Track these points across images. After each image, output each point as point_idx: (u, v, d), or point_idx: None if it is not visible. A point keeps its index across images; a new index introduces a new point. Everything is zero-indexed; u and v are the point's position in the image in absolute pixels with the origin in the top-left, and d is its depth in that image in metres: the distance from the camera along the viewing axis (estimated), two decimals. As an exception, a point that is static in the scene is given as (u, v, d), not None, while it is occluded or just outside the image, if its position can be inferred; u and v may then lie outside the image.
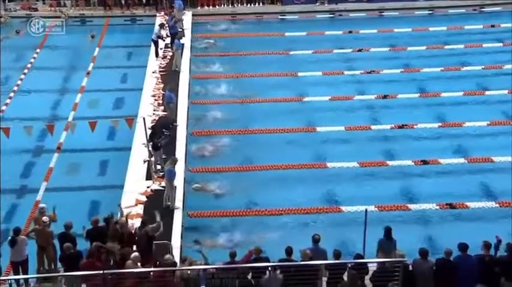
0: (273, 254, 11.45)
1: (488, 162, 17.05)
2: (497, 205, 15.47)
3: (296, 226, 15.01)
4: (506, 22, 25.35)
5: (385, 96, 20.55)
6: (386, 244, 11.86)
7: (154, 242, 12.26)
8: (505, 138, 18.20)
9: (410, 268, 11.06)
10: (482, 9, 26.96)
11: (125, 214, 13.32)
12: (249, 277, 11.04)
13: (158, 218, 12.46)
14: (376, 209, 15.17)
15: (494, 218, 15.11)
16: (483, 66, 22.16)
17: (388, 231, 12.02)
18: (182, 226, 14.53)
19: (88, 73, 22.44)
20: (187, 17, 25.89)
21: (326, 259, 11.33)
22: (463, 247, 11.02)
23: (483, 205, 15.45)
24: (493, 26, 25.35)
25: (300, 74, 22.24)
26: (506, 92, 20.51)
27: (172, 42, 22.52)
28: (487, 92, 20.70)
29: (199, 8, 27.42)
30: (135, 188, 15.75)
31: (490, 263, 10.99)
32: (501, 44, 23.91)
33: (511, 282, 10.91)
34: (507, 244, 11.22)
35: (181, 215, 14.81)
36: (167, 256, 11.25)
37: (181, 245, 13.78)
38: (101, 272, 10.54)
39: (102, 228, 12.26)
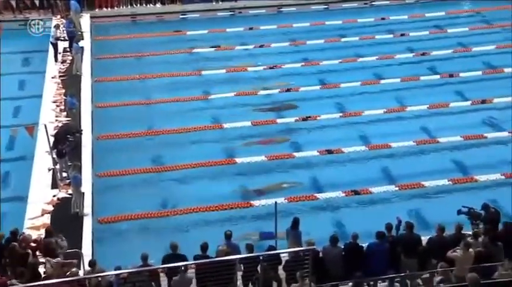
0: (188, 253, 11.53)
1: (387, 148, 17.96)
2: (397, 189, 16.33)
3: (209, 223, 15.15)
4: (395, 15, 26.75)
5: (288, 90, 21.11)
6: (293, 234, 12.27)
7: (66, 251, 12.00)
8: (400, 124, 19.28)
9: (321, 254, 11.48)
10: (373, 3, 28.25)
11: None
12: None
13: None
14: (285, 201, 15.57)
15: (395, 201, 15.99)
16: (377, 57, 23.20)
17: (295, 222, 12.41)
18: (92, 233, 14.28)
19: (-19, 81, 21.36)
20: (85, 20, 25.26)
21: (239, 254, 11.56)
22: (379, 234, 11.46)
23: (384, 189, 16.23)
24: (383, 18, 26.61)
25: (203, 72, 22.32)
26: (398, 80, 21.67)
27: (70, 45, 21.91)
28: (382, 81, 21.74)
29: (97, 10, 26.76)
30: (40, 197, 15.27)
31: (392, 244, 11.59)
32: (392, 36, 25.19)
33: (409, 258, 11.56)
34: (406, 223, 11.92)
35: (91, 222, 14.55)
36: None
37: (92, 253, 13.54)
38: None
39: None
